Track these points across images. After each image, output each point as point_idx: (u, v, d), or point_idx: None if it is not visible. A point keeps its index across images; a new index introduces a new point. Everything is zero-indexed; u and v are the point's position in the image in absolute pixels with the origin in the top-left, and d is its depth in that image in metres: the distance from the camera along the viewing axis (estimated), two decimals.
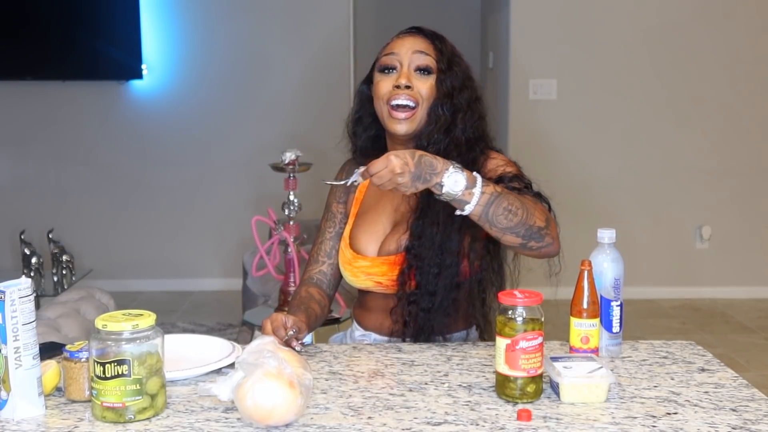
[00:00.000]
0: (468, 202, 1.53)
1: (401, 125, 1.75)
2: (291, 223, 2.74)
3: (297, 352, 1.54)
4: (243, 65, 5.18)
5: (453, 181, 1.51)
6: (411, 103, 1.75)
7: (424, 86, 1.76)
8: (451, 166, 1.52)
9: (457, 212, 1.57)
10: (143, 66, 5.09)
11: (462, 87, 1.79)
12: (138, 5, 5.01)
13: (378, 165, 1.52)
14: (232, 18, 5.15)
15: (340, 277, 1.89)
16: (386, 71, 1.78)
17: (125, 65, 5.09)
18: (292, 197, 2.74)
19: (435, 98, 1.77)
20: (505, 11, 4.98)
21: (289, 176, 2.73)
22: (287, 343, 1.55)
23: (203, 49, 5.18)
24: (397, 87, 1.75)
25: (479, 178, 1.54)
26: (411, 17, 6.10)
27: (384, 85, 1.77)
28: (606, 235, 1.59)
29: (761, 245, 5.03)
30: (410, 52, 1.77)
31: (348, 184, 1.61)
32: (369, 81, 1.86)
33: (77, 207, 5.26)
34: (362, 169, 1.56)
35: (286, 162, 2.71)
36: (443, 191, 1.52)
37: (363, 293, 1.87)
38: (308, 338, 1.68)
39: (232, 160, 5.23)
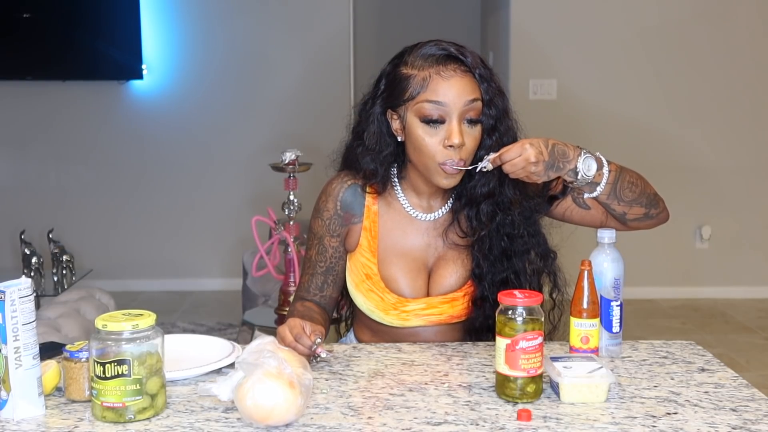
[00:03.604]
0: (598, 184, 1.58)
1: (450, 180, 1.64)
2: (291, 223, 2.74)
3: (323, 359, 1.53)
4: (243, 65, 5.18)
5: (587, 166, 1.55)
6: (461, 164, 1.62)
7: (472, 138, 1.63)
8: (582, 152, 1.55)
9: (586, 195, 1.61)
10: (143, 66, 5.09)
11: (503, 113, 1.67)
12: (138, 5, 5.01)
13: (512, 153, 1.50)
14: (232, 18, 5.15)
15: (335, 306, 1.82)
16: (432, 125, 1.61)
17: (125, 65, 5.09)
18: (292, 197, 2.74)
19: (481, 140, 1.65)
20: (505, 11, 4.98)
21: (289, 176, 2.73)
22: (313, 352, 1.50)
23: (203, 49, 5.18)
24: (450, 146, 1.60)
25: (603, 158, 1.57)
26: (411, 17, 6.14)
27: (432, 141, 1.61)
28: (606, 235, 1.59)
29: (761, 245, 5.03)
30: (460, 103, 1.59)
31: (477, 170, 1.56)
32: (386, 104, 1.68)
33: (77, 207, 5.25)
34: (492, 155, 1.53)
35: (286, 162, 2.71)
36: (578, 178, 1.55)
37: (384, 325, 1.76)
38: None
39: (232, 160, 5.23)
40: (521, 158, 1.50)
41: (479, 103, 1.63)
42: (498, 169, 1.58)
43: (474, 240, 1.72)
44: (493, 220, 1.70)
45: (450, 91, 1.60)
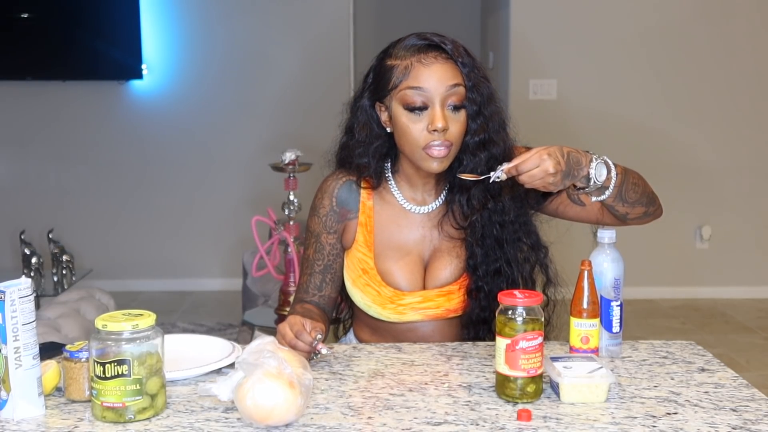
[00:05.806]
0: (607, 188, 1.58)
1: (438, 164, 1.64)
2: (291, 223, 2.74)
3: (324, 355, 1.54)
4: (243, 65, 5.18)
5: (598, 172, 1.56)
6: (447, 144, 1.63)
7: (458, 123, 1.64)
8: (593, 157, 1.55)
9: (594, 199, 1.61)
10: (143, 66, 5.09)
11: (487, 99, 1.69)
12: (138, 5, 5.01)
13: (529, 163, 1.50)
14: (231, 18, 5.15)
15: (334, 307, 1.82)
16: (415, 111, 1.63)
17: (125, 65, 5.09)
18: (292, 197, 2.74)
19: (467, 127, 1.67)
20: (505, 11, 4.98)
21: (289, 176, 2.73)
22: (314, 349, 1.52)
23: (203, 49, 5.18)
24: (435, 131, 1.61)
25: (609, 161, 1.57)
26: (411, 17, 6.14)
27: (416, 128, 1.63)
28: (606, 235, 1.59)
29: (761, 245, 5.03)
30: (442, 88, 1.62)
31: (491, 181, 1.56)
32: (374, 97, 1.71)
33: (77, 207, 5.26)
34: (506, 165, 1.52)
35: (286, 162, 2.71)
36: (590, 184, 1.56)
37: (382, 322, 1.77)
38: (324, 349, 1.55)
39: (232, 160, 5.24)
40: (539, 169, 1.49)
41: (461, 89, 1.65)
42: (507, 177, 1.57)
43: (467, 226, 1.73)
44: (484, 206, 1.72)
45: (431, 77, 1.62)
